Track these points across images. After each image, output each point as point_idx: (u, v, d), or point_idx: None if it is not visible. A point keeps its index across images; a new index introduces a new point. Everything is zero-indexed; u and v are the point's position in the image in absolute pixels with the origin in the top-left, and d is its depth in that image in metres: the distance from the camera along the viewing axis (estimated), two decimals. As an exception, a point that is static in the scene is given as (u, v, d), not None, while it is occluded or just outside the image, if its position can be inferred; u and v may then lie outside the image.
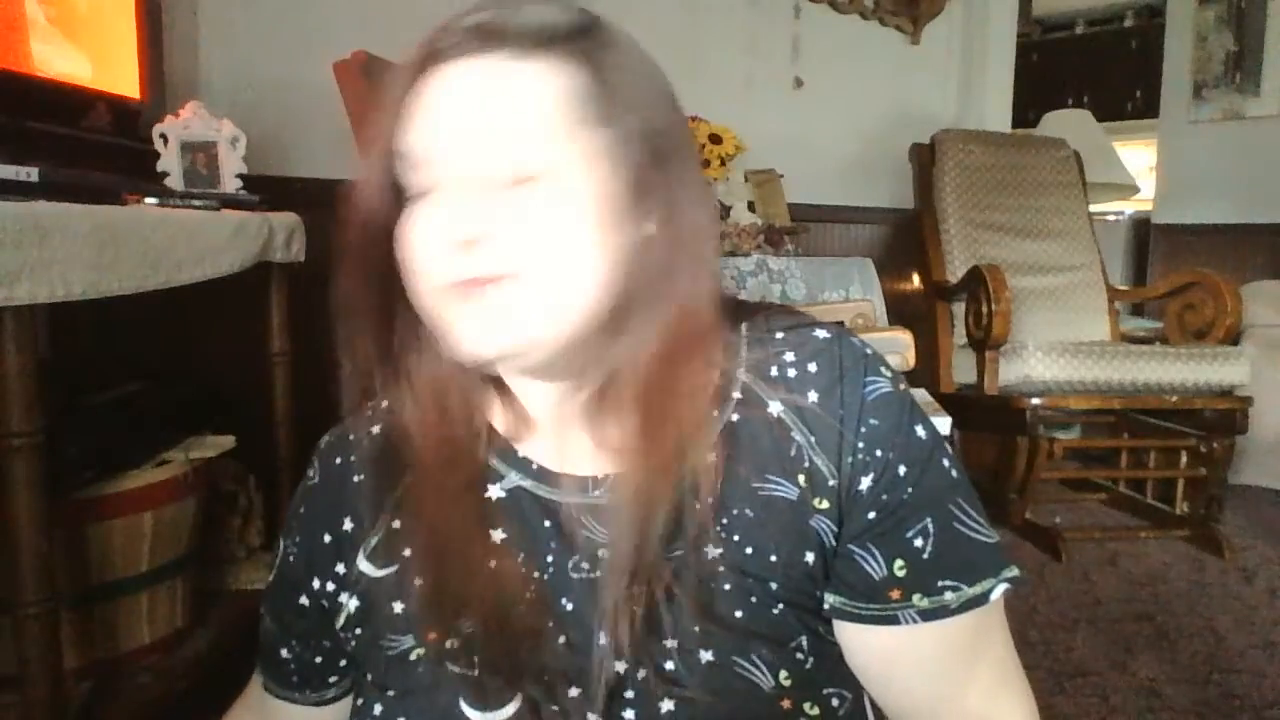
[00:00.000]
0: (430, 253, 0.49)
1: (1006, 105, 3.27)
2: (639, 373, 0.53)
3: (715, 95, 2.30)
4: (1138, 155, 4.85)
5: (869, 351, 0.57)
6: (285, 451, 1.52)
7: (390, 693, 0.56)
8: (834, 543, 0.54)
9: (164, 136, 1.37)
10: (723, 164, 2.24)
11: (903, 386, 0.56)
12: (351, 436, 0.62)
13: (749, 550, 0.53)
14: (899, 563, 0.53)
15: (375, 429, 0.60)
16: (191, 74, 1.70)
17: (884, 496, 0.54)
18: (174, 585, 1.29)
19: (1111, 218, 4.43)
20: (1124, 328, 2.88)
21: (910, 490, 0.54)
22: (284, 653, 0.64)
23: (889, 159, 2.98)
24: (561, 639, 0.53)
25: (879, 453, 0.54)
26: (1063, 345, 2.24)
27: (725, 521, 0.53)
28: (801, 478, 0.54)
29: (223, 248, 1.24)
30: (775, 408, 0.55)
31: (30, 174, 0.97)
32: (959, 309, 2.53)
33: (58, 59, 1.26)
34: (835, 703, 0.54)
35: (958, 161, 2.76)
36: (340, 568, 0.59)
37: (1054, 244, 2.79)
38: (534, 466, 0.57)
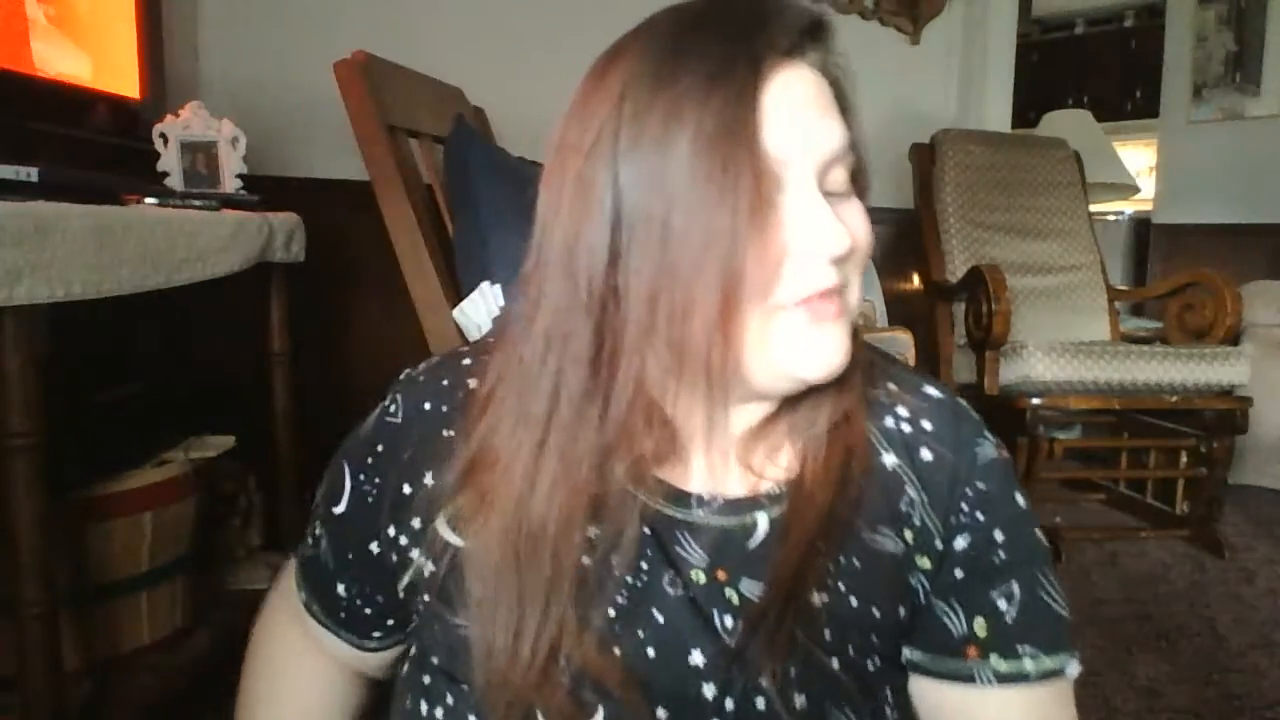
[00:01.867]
0: (815, 263, 0.46)
1: (1006, 105, 3.26)
2: (838, 397, 0.52)
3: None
4: (1138, 155, 4.84)
5: (976, 416, 0.58)
6: (285, 451, 1.52)
7: (464, 686, 0.51)
8: (925, 601, 0.54)
9: (164, 136, 1.38)
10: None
11: (1004, 452, 0.57)
12: (445, 382, 0.56)
13: (853, 601, 0.52)
14: (979, 621, 0.53)
15: (472, 382, 0.55)
16: (191, 74, 1.70)
17: (975, 556, 0.54)
18: (174, 585, 1.29)
19: (1111, 218, 4.43)
20: (1124, 328, 2.87)
21: (1001, 554, 0.54)
22: (340, 588, 0.59)
23: (889, 159, 2.98)
24: (650, 651, 0.50)
25: (980, 516, 0.54)
26: (1063, 345, 2.23)
27: (832, 569, 0.52)
28: (909, 533, 0.54)
29: (223, 248, 1.24)
30: (889, 460, 0.54)
31: (30, 174, 0.97)
32: (959, 309, 2.52)
33: (58, 59, 1.26)
34: None
35: (958, 161, 2.76)
36: (416, 522, 0.54)
37: (1054, 244, 2.78)
38: None
